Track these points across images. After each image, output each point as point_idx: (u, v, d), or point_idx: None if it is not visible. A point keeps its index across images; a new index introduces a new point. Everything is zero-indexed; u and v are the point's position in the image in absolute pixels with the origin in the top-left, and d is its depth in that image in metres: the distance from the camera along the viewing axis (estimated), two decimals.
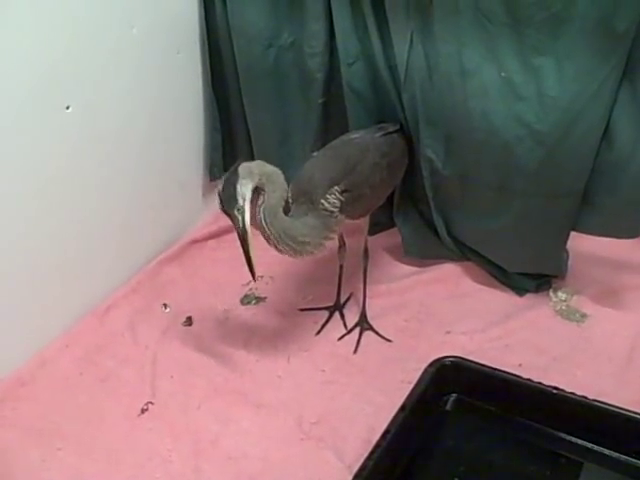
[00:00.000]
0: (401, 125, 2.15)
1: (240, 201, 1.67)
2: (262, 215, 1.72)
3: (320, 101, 2.29)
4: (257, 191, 1.72)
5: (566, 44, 1.79)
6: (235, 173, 1.69)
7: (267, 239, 1.76)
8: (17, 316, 2.01)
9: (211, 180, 2.67)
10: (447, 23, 1.91)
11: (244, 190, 1.68)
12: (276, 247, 1.78)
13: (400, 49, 2.02)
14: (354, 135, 2.08)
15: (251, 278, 1.79)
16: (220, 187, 1.70)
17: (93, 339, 2.15)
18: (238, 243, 1.72)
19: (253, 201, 1.71)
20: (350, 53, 2.14)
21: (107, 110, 2.13)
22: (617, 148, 1.90)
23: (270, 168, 1.75)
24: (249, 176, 1.69)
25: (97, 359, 2.09)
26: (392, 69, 2.09)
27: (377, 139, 2.05)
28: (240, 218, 1.68)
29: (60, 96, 1.96)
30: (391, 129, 2.11)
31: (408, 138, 2.16)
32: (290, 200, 1.87)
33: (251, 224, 1.71)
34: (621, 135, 1.88)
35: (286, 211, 1.81)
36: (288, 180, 1.83)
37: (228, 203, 1.68)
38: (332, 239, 1.91)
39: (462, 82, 1.95)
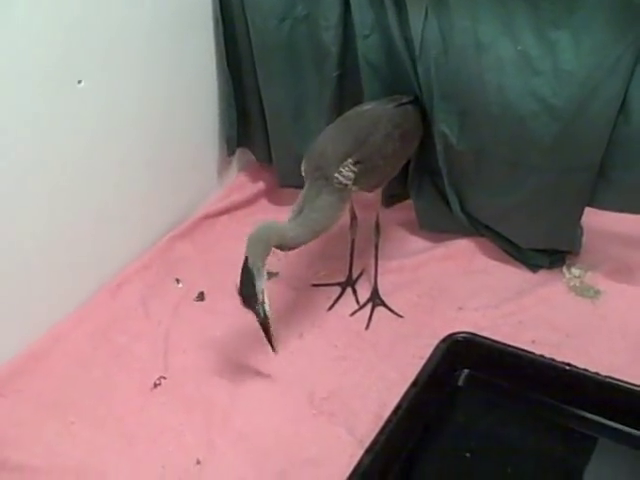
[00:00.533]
0: (416, 96, 2.13)
1: (260, 297, 1.74)
2: (280, 250, 1.86)
3: (335, 74, 2.27)
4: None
5: (583, 17, 1.77)
6: (247, 268, 1.74)
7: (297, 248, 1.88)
8: (31, 292, 2.02)
9: (228, 155, 2.67)
10: None
11: (260, 283, 1.74)
12: (307, 244, 1.88)
13: (415, 22, 1.99)
14: (366, 107, 2.07)
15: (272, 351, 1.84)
16: (238, 285, 1.77)
17: (106, 315, 2.16)
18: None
19: None
20: (366, 25, 2.12)
21: (120, 85, 2.12)
22: (634, 122, 1.88)
23: (262, 232, 1.80)
24: (259, 267, 1.74)
25: (110, 334, 2.10)
26: (408, 42, 2.06)
27: (390, 110, 2.03)
28: (262, 309, 1.75)
29: (72, 71, 1.95)
30: (405, 100, 2.09)
31: (423, 110, 2.14)
32: (304, 174, 1.87)
33: None
34: (638, 109, 1.86)
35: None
36: (301, 154, 1.87)
37: (251, 302, 1.75)
38: (345, 211, 1.93)
39: (477, 56, 1.93)
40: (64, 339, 2.08)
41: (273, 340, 1.80)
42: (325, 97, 2.33)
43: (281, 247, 1.81)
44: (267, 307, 1.75)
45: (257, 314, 1.75)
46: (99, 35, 1.99)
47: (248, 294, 1.74)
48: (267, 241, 1.77)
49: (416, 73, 2.09)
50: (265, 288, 1.75)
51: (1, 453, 1.74)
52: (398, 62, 2.12)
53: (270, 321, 1.77)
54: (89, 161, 2.08)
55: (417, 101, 2.13)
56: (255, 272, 1.73)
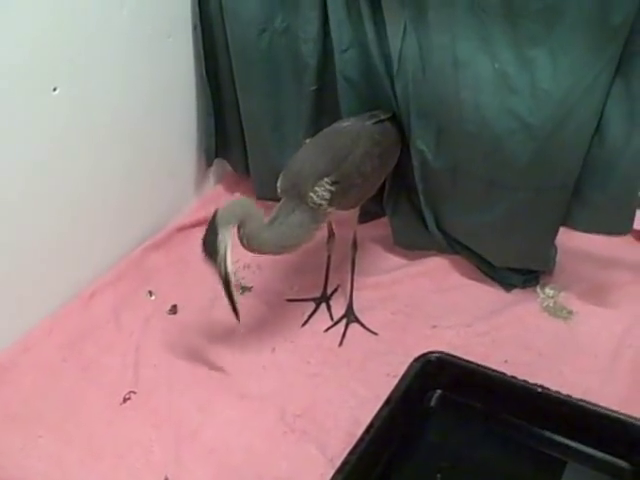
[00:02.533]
0: (394, 113, 2.13)
1: (222, 250, 1.69)
2: (246, 242, 1.75)
3: (313, 88, 2.26)
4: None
5: (561, 36, 1.77)
6: (214, 221, 1.70)
7: (261, 254, 1.84)
8: (0, 300, 1.98)
9: (207, 166, 2.67)
10: (441, 13, 1.89)
11: (225, 236, 1.70)
12: (273, 254, 1.86)
13: (393, 38, 1.99)
14: (345, 123, 2.06)
15: (237, 321, 1.82)
16: (203, 235, 1.72)
17: (76, 325, 2.13)
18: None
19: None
20: (343, 40, 2.12)
21: (96, 92, 2.10)
22: (609, 143, 1.89)
23: (244, 202, 1.84)
24: (226, 224, 1.70)
25: (80, 346, 2.07)
26: (386, 57, 2.07)
27: (369, 127, 2.03)
28: (223, 267, 1.70)
29: (47, 77, 1.93)
30: (383, 116, 2.08)
31: (401, 126, 2.14)
32: (279, 190, 1.86)
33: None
34: (613, 130, 1.87)
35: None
36: (278, 166, 1.87)
37: (211, 254, 1.70)
38: (320, 230, 1.90)
39: (455, 73, 1.93)
40: (33, 349, 2.04)
41: (236, 303, 1.76)
42: (303, 110, 2.32)
43: (247, 237, 1.74)
44: (229, 265, 1.70)
45: (219, 271, 1.71)
46: (75, 42, 1.97)
47: (210, 247, 1.70)
48: (243, 210, 1.75)
49: (394, 89, 2.09)
50: (230, 247, 1.70)
51: None
52: (375, 78, 2.12)
53: (232, 282, 1.72)
54: (63, 168, 2.06)
55: (395, 117, 2.13)
56: (221, 226, 1.69)
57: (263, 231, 1.77)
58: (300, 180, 1.83)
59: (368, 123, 2.04)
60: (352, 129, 2.01)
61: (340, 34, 2.12)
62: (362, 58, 2.14)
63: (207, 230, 1.71)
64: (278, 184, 1.87)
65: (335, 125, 2.07)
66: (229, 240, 1.70)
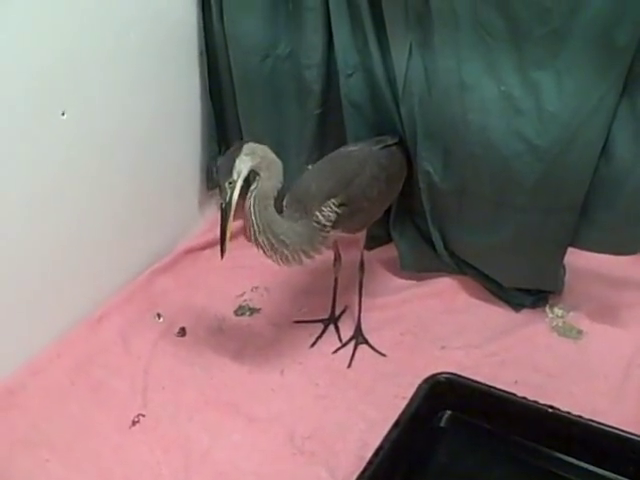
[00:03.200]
0: (400, 137, 2.14)
1: (235, 175, 1.67)
2: (252, 200, 1.71)
3: (317, 112, 2.28)
4: (253, 175, 1.72)
5: (566, 59, 1.78)
6: (239, 149, 1.68)
7: (248, 227, 1.75)
8: (8, 324, 1.99)
9: (208, 189, 2.66)
10: (447, 36, 1.90)
11: (242, 166, 1.68)
12: (255, 238, 1.76)
13: (399, 62, 2.01)
14: (352, 147, 2.07)
15: (221, 254, 1.76)
16: (220, 159, 1.71)
17: (85, 348, 2.13)
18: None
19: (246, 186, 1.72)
20: (349, 64, 2.14)
21: (102, 117, 2.11)
22: (616, 163, 1.89)
23: (272, 156, 1.74)
24: (251, 155, 1.69)
25: (89, 369, 2.07)
26: (391, 81, 2.09)
27: (376, 152, 2.04)
28: (229, 192, 1.68)
29: (55, 102, 1.95)
30: (390, 142, 2.10)
31: (406, 151, 2.15)
32: (285, 206, 1.86)
33: (237, 209, 1.71)
34: (620, 150, 1.87)
35: (278, 212, 1.80)
36: (284, 190, 1.83)
37: (223, 175, 1.67)
38: (311, 257, 1.88)
39: (461, 96, 1.94)
40: (41, 373, 2.05)
41: (226, 236, 1.72)
42: (306, 134, 2.33)
43: (257, 196, 1.71)
44: (236, 193, 1.68)
45: (223, 194, 1.68)
46: (83, 67, 2.00)
47: (225, 168, 1.67)
48: (268, 160, 1.73)
49: (399, 112, 2.10)
50: (242, 178, 1.68)
51: None
52: (381, 102, 2.14)
53: (231, 212, 1.69)
54: (70, 192, 2.07)
55: (401, 142, 2.14)
56: (244, 152, 1.68)
57: (271, 206, 1.75)
58: (307, 198, 1.84)
59: (375, 148, 2.05)
60: (359, 154, 2.02)
61: (345, 59, 2.14)
62: (367, 82, 2.16)
63: (226, 155, 1.70)
64: (284, 202, 1.87)
65: (341, 150, 2.08)
66: (244, 171, 1.68)
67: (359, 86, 2.16)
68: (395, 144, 2.11)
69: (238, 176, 1.67)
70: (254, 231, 1.74)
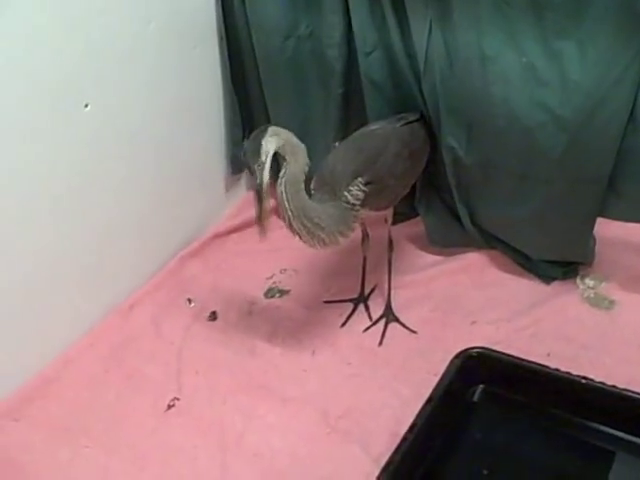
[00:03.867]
0: (421, 114, 2.13)
1: (262, 157, 1.66)
2: (283, 187, 1.71)
3: (339, 91, 2.27)
4: (280, 160, 1.72)
5: (588, 27, 1.76)
6: (263, 131, 1.68)
7: (283, 213, 1.74)
8: (41, 316, 2.02)
9: (233, 174, 2.67)
10: (466, 10, 1.89)
11: (268, 147, 1.67)
12: (290, 224, 1.75)
13: (419, 38, 2.00)
14: (374, 126, 2.06)
15: (260, 235, 1.75)
16: (246, 143, 1.71)
17: (118, 336, 2.16)
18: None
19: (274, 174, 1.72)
20: (368, 42, 2.12)
21: (126, 107, 2.12)
22: None
23: (295, 140, 1.74)
24: (275, 137, 1.68)
25: (122, 356, 2.10)
26: (411, 58, 2.08)
27: (398, 129, 2.03)
28: (260, 174, 1.67)
29: (78, 94, 1.96)
30: (411, 118, 2.09)
31: (429, 126, 2.14)
32: (312, 190, 1.86)
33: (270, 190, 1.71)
34: None
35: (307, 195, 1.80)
36: (312, 172, 1.82)
37: (252, 157, 1.67)
38: (347, 236, 1.87)
39: (482, 69, 1.92)
40: (75, 362, 2.08)
41: (264, 217, 1.71)
42: (331, 114, 2.33)
43: (287, 181, 1.71)
44: (266, 172, 1.67)
45: (255, 177, 1.68)
46: (105, 59, 2.01)
47: (253, 150, 1.67)
48: (293, 144, 1.73)
49: (420, 89, 2.09)
50: (270, 157, 1.67)
51: (15, 479, 1.73)
52: (401, 79, 2.13)
53: (266, 195, 1.68)
54: (96, 183, 2.09)
55: (422, 119, 2.13)
56: (269, 133, 1.68)
57: (302, 190, 1.74)
58: (334, 180, 1.84)
59: (397, 125, 2.04)
60: (381, 132, 2.01)
61: (364, 37, 2.12)
62: (387, 60, 2.14)
63: (252, 137, 1.70)
64: (311, 186, 1.87)
65: (364, 129, 2.07)
66: (271, 151, 1.68)
67: (378, 64, 2.15)
68: (416, 120, 2.10)
69: (266, 157, 1.67)
70: (288, 217, 1.73)
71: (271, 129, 1.69)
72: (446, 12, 1.93)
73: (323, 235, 1.79)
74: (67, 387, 2.00)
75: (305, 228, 1.76)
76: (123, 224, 2.23)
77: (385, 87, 2.18)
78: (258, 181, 1.67)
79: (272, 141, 1.68)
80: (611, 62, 1.77)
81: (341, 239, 1.85)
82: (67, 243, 2.05)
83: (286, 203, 1.71)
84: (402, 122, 2.06)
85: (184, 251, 2.48)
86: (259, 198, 1.69)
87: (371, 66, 2.15)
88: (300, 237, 1.78)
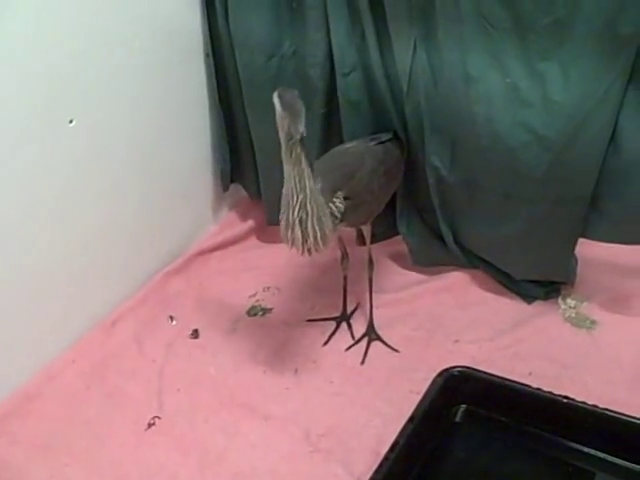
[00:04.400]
0: (395, 134, 2.15)
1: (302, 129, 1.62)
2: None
3: (322, 111, 2.27)
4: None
5: (571, 49, 1.77)
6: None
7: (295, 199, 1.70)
8: (23, 331, 2.01)
9: (223, 191, 2.68)
10: (450, 30, 1.90)
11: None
12: (300, 207, 1.70)
13: (403, 57, 2.01)
14: (348, 145, 2.08)
15: None
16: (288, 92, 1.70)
17: (99, 353, 2.15)
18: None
19: None
20: (346, 63, 2.13)
21: (111, 123, 2.12)
22: (624, 153, 1.88)
23: None
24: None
25: (104, 373, 2.08)
26: (389, 79, 2.09)
27: (372, 147, 2.05)
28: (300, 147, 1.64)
29: (63, 110, 1.96)
30: (384, 138, 2.10)
31: (402, 147, 2.16)
32: None
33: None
34: (628, 140, 1.86)
35: None
36: None
37: (297, 116, 1.65)
38: (328, 244, 1.81)
39: (466, 88, 1.94)
40: (57, 378, 2.06)
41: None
42: (313, 133, 2.32)
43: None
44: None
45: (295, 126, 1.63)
46: (90, 75, 2.00)
47: (298, 108, 1.65)
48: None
49: (398, 110, 2.11)
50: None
51: None
52: (379, 99, 2.15)
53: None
54: (81, 198, 2.08)
55: (396, 138, 2.15)
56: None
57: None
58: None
59: (371, 144, 2.06)
60: (355, 150, 2.03)
61: (342, 57, 2.13)
62: (365, 80, 2.16)
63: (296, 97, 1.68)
64: None
65: (338, 147, 2.09)
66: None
67: (356, 84, 2.16)
68: (389, 140, 2.12)
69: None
70: (305, 196, 1.69)
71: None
72: (431, 31, 1.94)
73: (319, 236, 1.73)
74: (48, 404, 1.98)
75: (316, 217, 1.71)
76: (107, 239, 2.22)
77: (362, 107, 2.19)
78: (300, 133, 1.62)
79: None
80: (593, 83, 1.78)
81: (324, 246, 1.79)
82: (50, 257, 2.03)
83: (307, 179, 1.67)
84: (375, 142, 2.07)
85: (168, 267, 2.48)
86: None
87: (349, 86, 2.16)
88: (302, 231, 1.71)
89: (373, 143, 2.07)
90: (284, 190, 1.72)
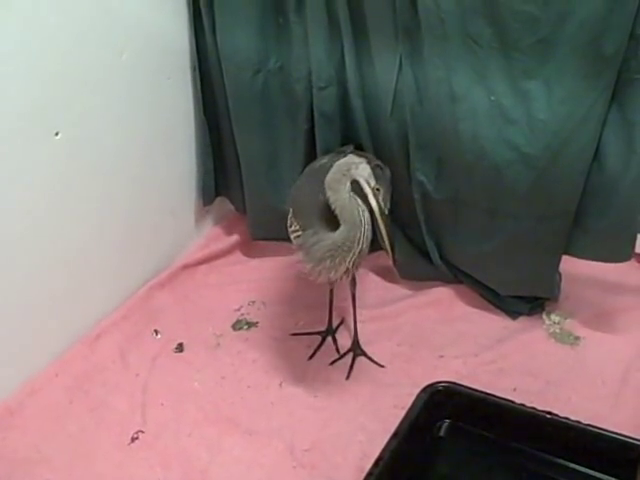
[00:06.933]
0: (355, 146, 2.17)
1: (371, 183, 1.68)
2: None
3: (306, 127, 2.27)
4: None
5: (555, 67, 1.80)
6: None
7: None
8: (5, 344, 1.98)
9: (204, 205, 2.66)
10: (436, 47, 1.91)
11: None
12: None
13: (388, 75, 2.03)
14: (323, 160, 2.07)
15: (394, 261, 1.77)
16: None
17: (83, 367, 2.13)
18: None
19: None
20: (323, 77, 2.14)
21: (97, 136, 2.12)
22: (607, 170, 1.91)
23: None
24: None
25: (87, 387, 2.06)
26: (365, 97, 2.12)
27: None
28: (375, 200, 1.67)
29: (49, 123, 1.95)
30: (348, 151, 2.10)
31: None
32: (300, 229, 1.86)
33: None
34: (611, 157, 1.89)
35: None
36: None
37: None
38: None
39: (452, 106, 1.95)
40: (40, 392, 2.03)
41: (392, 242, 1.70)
42: (298, 147, 2.33)
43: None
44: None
45: (374, 200, 1.66)
46: (76, 88, 2.00)
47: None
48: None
49: (370, 128, 2.14)
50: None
51: None
52: (352, 116, 2.17)
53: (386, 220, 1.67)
54: (65, 211, 2.07)
55: (360, 149, 2.17)
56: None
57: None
58: (311, 213, 1.83)
59: (340, 157, 2.06)
60: (330, 164, 2.01)
61: (319, 71, 2.14)
62: (340, 96, 2.17)
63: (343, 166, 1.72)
64: (297, 223, 1.88)
65: (312, 164, 2.10)
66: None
67: (331, 99, 2.17)
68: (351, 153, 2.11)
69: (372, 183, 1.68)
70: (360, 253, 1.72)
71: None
72: (416, 48, 1.96)
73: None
74: (30, 418, 1.96)
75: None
76: (92, 253, 2.21)
77: (335, 123, 2.20)
78: (379, 207, 1.66)
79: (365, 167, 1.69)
80: (577, 101, 1.81)
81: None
82: (34, 271, 2.02)
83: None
84: (342, 155, 2.07)
85: (153, 281, 2.46)
86: (386, 223, 1.67)
87: (324, 101, 2.17)
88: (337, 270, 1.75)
89: (340, 157, 2.07)
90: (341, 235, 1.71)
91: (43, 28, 1.86)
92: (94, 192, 2.16)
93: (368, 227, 1.69)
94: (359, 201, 1.68)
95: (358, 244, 1.69)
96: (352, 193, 1.68)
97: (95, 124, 2.10)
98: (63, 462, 1.83)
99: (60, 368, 2.11)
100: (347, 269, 1.74)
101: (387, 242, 1.69)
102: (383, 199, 1.73)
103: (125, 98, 2.19)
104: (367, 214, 1.68)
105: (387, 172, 1.99)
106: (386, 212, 1.69)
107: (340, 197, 1.68)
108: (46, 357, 2.12)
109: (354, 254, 1.70)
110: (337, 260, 1.72)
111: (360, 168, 1.69)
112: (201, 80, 2.43)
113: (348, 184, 1.68)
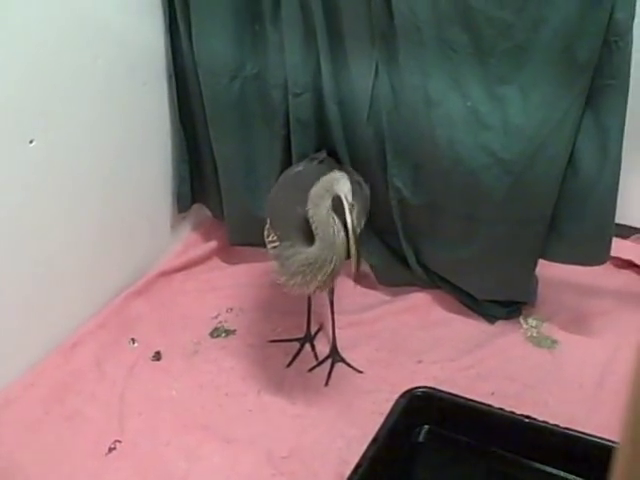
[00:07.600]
0: (328, 152, 2.18)
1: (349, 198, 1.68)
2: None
3: (283, 133, 2.27)
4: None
5: (530, 73, 1.81)
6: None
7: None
8: None
9: (179, 212, 2.65)
10: (412, 53, 1.92)
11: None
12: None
13: (364, 81, 2.03)
14: (298, 168, 2.09)
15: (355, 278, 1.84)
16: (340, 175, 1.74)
17: (59, 376, 2.10)
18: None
19: None
20: (298, 83, 2.14)
21: (72, 143, 2.10)
22: (582, 175, 1.93)
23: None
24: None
25: (63, 397, 2.04)
26: (341, 103, 2.11)
27: (319, 167, 2.05)
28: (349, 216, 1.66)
29: (23, 130, 1.93)
30: (321, 157, 2.13)
31: (338, 162, 2.19)
32: (278, 240, 1.85)
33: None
34: (585, 162, 1.91)
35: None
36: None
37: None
38: None
39: (428, 112, 1.95)
40: (15, 403, 2.01)
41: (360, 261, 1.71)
42: (275, 154, 2.32)
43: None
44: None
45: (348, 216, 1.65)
46: (50, 94, 1.98)
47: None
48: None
49: (345, 134, 2.15)
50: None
51: None
52: (327, 123, 2.17)
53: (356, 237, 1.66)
54: (40, 218, 2.05)
55: (331, 155, 2.18)
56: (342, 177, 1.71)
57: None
58: (288, 223, 1.82)
59: (314, 164, 2.08)
60: (307, 172, 2.03)
61: (295, 77, 2.14)
62: (316, 102, 2.17)
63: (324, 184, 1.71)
64: (274, 234, 1.87)
65: (287, 172, 2.10)
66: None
67: (307, 105, 2.17)
68: (324, 159, 2.14)
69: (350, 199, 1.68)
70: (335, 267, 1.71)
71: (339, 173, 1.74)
72: (392, 54, 1.96)
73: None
74: (5, 428, 1.93)
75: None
76: (67, 260, 2.19)
77: (310, 129, 2.20)
78: (351, 224, 1.65)
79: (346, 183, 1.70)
80: (551, 107, 1.82)
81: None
82: (7, 278, 1.99)
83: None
84: (316, 161, 2.09)
85: (129, 289, 2.44)
86: (355, 241, 1.66)
87: (299, 107, 2.17)
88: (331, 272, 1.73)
89: (315, 163, 2.09)
90: (314, 252, 1.71)
91: (17, 36, 1.85)
92: (68, 198, 2.13)
93: (342, 247, 1.69)
94: (337, 220, 1.68)
95: (330, 263, 1.69)
96: (331, 211, 1.68)
97: (70, 131, 2.08)
98: (39, 472, 1.81)
99: (36, 378, 2.09)
100: (319, 286, 1.74)
101: (354, 258, 1.69)
102: (357, 216, 1.74)
103: (100, 104, 2.18)
104: (342, 234, 1.68)
105: (366, 190, 2.02)
106: (358, 230, 1.69)
107: (319, 212, 1.68)
108: (21, 367, 2.09)
109: (325, 273, 1.70)
110: (309, 277, 1.72)
111: (341, 183, 1.70)
112: (177, 86, 2.41)
113: (329, 201, 1.68)
